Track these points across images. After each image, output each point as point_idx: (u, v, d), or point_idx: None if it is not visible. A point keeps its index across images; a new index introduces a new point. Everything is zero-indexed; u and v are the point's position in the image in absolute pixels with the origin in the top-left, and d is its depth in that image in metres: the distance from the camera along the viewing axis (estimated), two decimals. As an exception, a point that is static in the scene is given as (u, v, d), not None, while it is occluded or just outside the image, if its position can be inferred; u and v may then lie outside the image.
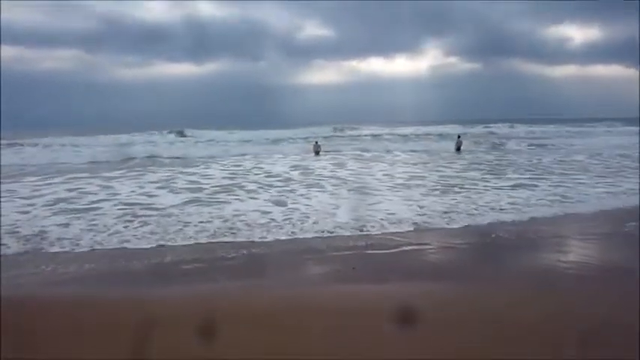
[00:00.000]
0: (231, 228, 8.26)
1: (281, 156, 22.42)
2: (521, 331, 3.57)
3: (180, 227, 8.31)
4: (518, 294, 4.76)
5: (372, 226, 8.30)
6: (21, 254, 7.05)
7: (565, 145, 29.20)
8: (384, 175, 15.35)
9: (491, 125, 53.54)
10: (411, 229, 8.24)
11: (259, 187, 12.78)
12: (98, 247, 7.36)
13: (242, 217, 9.00)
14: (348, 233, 7.91)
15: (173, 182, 13.83)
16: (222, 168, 17.72)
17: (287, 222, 8.68)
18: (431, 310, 3.99)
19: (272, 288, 5.46)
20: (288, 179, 14.38)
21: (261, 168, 17.42)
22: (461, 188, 12.28)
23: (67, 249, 7.25)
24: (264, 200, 10.89)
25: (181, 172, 16.08)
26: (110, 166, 18.68)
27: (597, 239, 7.67)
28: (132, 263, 6.59)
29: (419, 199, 10.72)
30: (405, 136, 40.21)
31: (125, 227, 8.39)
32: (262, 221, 8.73)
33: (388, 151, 25.05)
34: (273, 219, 8.92)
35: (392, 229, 8.15)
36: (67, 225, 8.56)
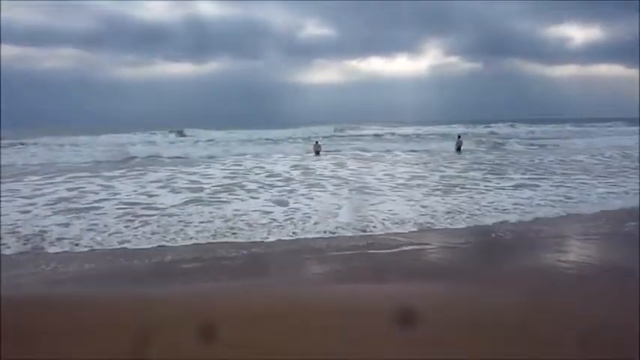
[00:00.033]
0: (232, 228, 8.24)
1: (281, 156, 22.41)
2: (522, 331, 3.56)
3: (180, 227, 8.29)
4: (519, 294, 4.73)
5: (375, 227, 8.28)
6: (21, 254, 7.04)
7: (566, 145, 29.19)
8: (385, 175, 15.33)
9: (492, 125, 53.64)
10: (415, 229, 8.21)
11: (260, 187, 12.76)
12: (99, 246, 7.35)
13: (243, 217, 8.98)
14: (350, 234, 7.89)
15: (174, 182, 13.81)
16: (222, 168, 17.71)
17: (288, 222, 8.66)
18: (432, 310, 3.97)
19: (273, 288, 5.45)
20: (289, 179, 14.37)
21: (262, 168, 17.40)
22: (462, 188, 12.26)
23: (67, 249, 7.24)
24: (265, 200, 10.88)
25: (182, 172, 16.06)
26: (111, 166, 18.68)
27: (599, 239, 7.66)
28: (132, 263, 6.58)
29: (421, 199, 10.69)
30: (405, 135, 40.27)
31: (126, 227, 8.37)
32: (263, 221, 8.71)
33: (388, 151, 25.04)
34: (274, 219, 8.90)
35: (395, 230, 8.13)
36: (67, 225, 8.54)
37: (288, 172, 15.93)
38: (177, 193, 11.93)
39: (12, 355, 3.08)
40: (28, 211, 9.73)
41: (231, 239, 7.64)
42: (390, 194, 11.53)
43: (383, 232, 7.97)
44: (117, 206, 10.19)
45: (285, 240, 7.64)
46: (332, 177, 14.78)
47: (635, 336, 3.28)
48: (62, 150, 28.02)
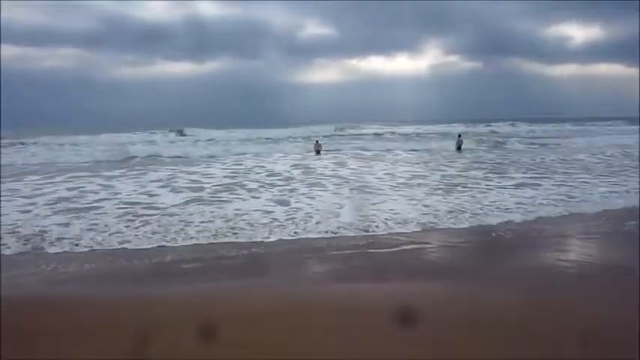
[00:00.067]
0: (232, 228, 8.20)
1: (282, 155, 22.39)
2: (522, 330, 3.54)
3: (181, 227, 8.25)
4: (520, 293, 4.71)
5: (377, 226, 8.23)
6: (21, 254, 7.01)
7: (567, 144, 29.15)
8: (386, 174, 15.30)
9: (493, 124, 53.61)
10: (418, 229, 8.17)
11: (261, 187, 12.73)
12: (99, 246, 7.32)
13: (244, 217, 8.95)
14: (352, 233, 7.85)
15: (174, 181, 13.78)
16: (223, 167, 17.68)
17: (290, 222, 8.62)
18: (433, 309, 3.96)
19: (273, 287, 5.43)
20: (290, 178, 14.34)
21: (263, 167, 17.38)
22: (464, 187, 12.23)
23: (67, 249, 7.21)
24: (267, 199, 10.84)
25: (182, 171, 16.04)
26: (111, 165, 18.66)
27: (602, 239, 7.64)
28: (133, 263, 6.55)
29: (423, 199, 10.66)
30: (405, 135, 40.30)
31: (126, 227, 8.33)
32: (265, 221, 8.68)
33: (389, 150, 25.03)
34: (275, 218, 8.87)
35: (398, 229, 8.08)
36: (67, 225, 8.51)
37: (289, 172, 15.90)
38: (178, 192, 11.90)
39: (12, 355, 3.07)
40: (28, 211, 9.69)
41: (233, 239, 7.61)
42: (392, 193, 11.49)
43: (386, 232, 7.93)
44: (117, 206, 10.16)
45: (285, 239, 7.61)
46: (333, 176, 14.75)
47: (636, 335, 3.26)
48: (62, 149, 28.00)
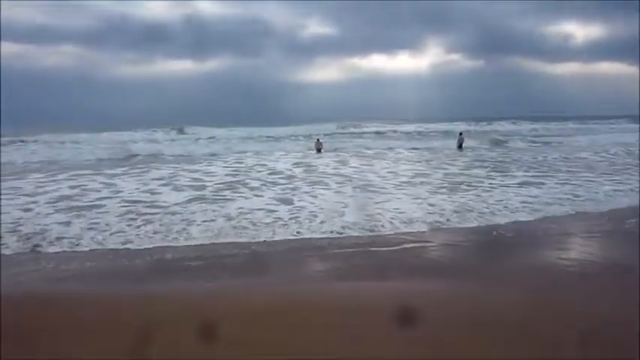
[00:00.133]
0: (235, 227, 8.14)
1: (283, 153, 22.34)
2: (523, 329, 3.53)
3: (184, 226, 8.20)
4: (521, 292, 4.69)
5: (383, 226, 8.16)
6: (22, 252, 6.96)
7: (569, 143, 29.09)
8: (388, 172, 15.24)
9: (494, 122, 53.55)
10: (425, 229, 8.10)
11: (263, 185, 12.67)
12: (101, 245, 7.28)
13: (247, 216, 8.89)
14: (357, 233, 7.77)
15: (176, 179, 13.73)
16: (224, 165, 17.62)
17: (293, 221, 8.56)
18: (434, 308, 3.95)
19: (274, 285, 5.41)
20: (292, 176, 14.28)
21: (264, 165, 17.32)
22: (468, 186, 12.16)
23: (69, 247, 7.17)
24: (269, 198, 10.78)
25: (184, 170, 15.99)
26: (112, 164, 18.63)
27: (608, 237, 7.61)
28: (135, 262, 6.51)
29: (427, 197, 10.59)
30: (407, 133, 40.28)
31: (128, 225, 8.28)
32: (268, 220, 8.61)
33: (391, 149, 24.99)
34: (279, 217, 8.80)
35: (404, 229, 8.01)
36: (69, 223, 8.46)
37: (291, 170, 15.84)
38: (180, 191, 11.84)
39: (12, 353, 3.06)
40: (30, 209, 9.64)
41: (236, 239, 7.55)
42: (395, 192, 11.43)
43: (392, 232, 7.86)
44: (119, 204, 10.11)
45: (288, 238, 7.56)
46: (335, 175, 14.69)
47: (636, 335, 3.25)
48: (63, 147, 28.00)
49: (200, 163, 18.52)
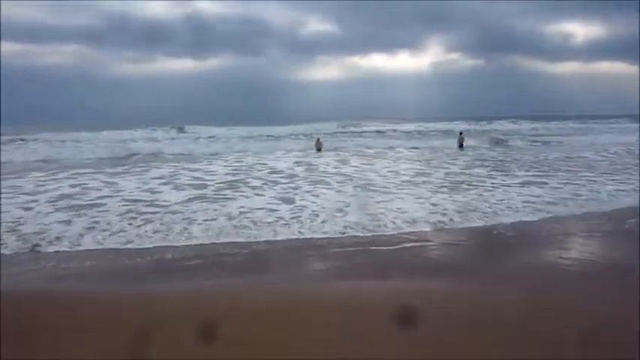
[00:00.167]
0: (236, 226, 8.11)
1: (283, 152, 22.33)
2: (523, 328, 3.52)
3: (184, 225, 8.17)
4: (521, 292, 4.67)
5: (386, 226, 8.12)
6: (23, 252, 6.94)
7: (569, 142, 29.06)
8: (389, 171, 15.22)
9: (494, 122, 53.56)
10: (428, 228, 8.07)
11: (264, 184, 12.64)
12: (101, 244, 7.25)
13: (248, 215, 8.86)
14: (360, 233, 7.74)
15: (177, 178, 13.72)
16: (225, 164, 17.61)
17: (295, 220, 8.52)
18: (435, 307, 3.95)
19: (274, 284, 5.39)
20: (292, 175, 14.26)
21: (264, 164, 17.30)
22: (469, 185, 12.13)
23: (69, 246, 7.14)
24: (270, 197, 10.75)
25: (184, 169, 15.97)
26: (113, 162, 18.63)
27: (611, 237, 7.58)
28: (135, 261, 6.48)
29: (429, 197, 10.56)
30: (407, 132, 40.30)
31: (129, 224, 8.25)
32: (269, 219, 8.58)
33: (391, 148, 24.99)
34: (280, 217, 8.77)
35: (407, 229, 7.97)
36: (69, 222, 8.43)
37: (292, 169, 15.83)
38: (181, 190, 11.82)
39: (12, 353, 3.04)
40: (30, 208, 9.62)
41: (237, 238, 7.52)
42: (397, 192, 11.40)
43: (395, 232, 7.82)
44: (120, 203, 10.08)
45: (289, 237, 7.53)
46: (336, 174, 14.67)
47: (636, 335, 3.24)
48: (63, 146, 27.98)
49: (200, 162, 18.50)
